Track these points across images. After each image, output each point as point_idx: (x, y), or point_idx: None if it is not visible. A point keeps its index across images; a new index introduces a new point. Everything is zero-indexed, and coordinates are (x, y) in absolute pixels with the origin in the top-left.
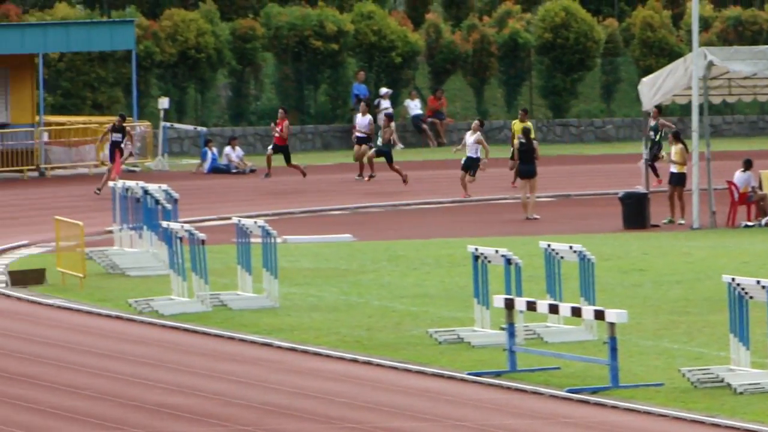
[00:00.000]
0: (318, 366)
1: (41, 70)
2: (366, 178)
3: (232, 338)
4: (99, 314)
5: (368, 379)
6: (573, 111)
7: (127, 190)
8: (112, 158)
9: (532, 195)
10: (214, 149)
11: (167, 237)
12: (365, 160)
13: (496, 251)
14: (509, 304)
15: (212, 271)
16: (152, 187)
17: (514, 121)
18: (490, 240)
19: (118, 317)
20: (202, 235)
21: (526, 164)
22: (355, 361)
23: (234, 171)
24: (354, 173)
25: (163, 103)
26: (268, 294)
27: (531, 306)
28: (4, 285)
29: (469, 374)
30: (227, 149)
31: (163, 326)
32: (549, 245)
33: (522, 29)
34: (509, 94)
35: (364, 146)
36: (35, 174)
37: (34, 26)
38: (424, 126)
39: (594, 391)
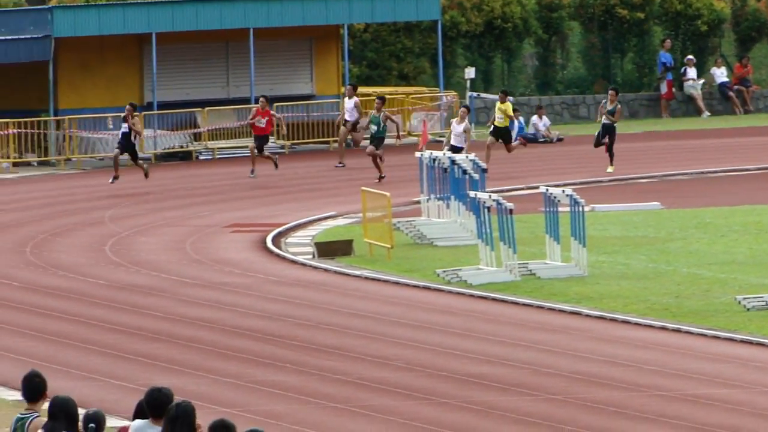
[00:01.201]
0: (626, 334)
1: (346, 41)
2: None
3: (540, 307)
4: (407, 285)
5: (677, 346)
6: None
7: (434, 160)
8: (123, 150)
9: None
10: (521, 118)
11: (475, 207)
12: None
13: None
14: None
15: (520, 240)
16: (459, 157)
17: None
18: None
19: (425, 288)
20: (510, 205)
21: None
22: (663, 328)
23: (541, 140)
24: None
25: (470, 72)
26: (576, 262)
27: None
28: (311, 257)
29: None
30: (534, 118)
31: (471, 296)
32: None
33: None
34: None
35: (349, 128)
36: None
37: None
38: (731, 93)
39: None
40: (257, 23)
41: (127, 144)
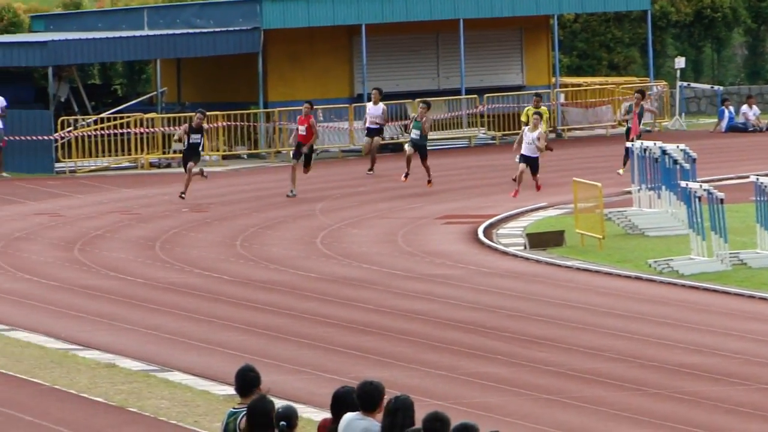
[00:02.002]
0: None
1: (556, 31)
2: (369, 172)
3: (752, 297)
4: (618, 275)
5: None
6: None
7: (645, 150)
8: (185, 164)
9: None
10: (731, 108)
11: (686, 196)
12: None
13: None
14: None
15: (731, 230)
16: (670, 146)
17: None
18: None
19: (637, 278)
20: (720, 194)
21: None
22: None
23: (751, 129)
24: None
25: (679, 62)
26: None
27: None
28: (522, 248)
29: None
30: (744, 108)
31: (683, 286)
32: None
33: None
34: None
35: (376, 138)
36: (552, 135)
37: None
38: None
39: None
40: (467, 14)
41: (193, 155)
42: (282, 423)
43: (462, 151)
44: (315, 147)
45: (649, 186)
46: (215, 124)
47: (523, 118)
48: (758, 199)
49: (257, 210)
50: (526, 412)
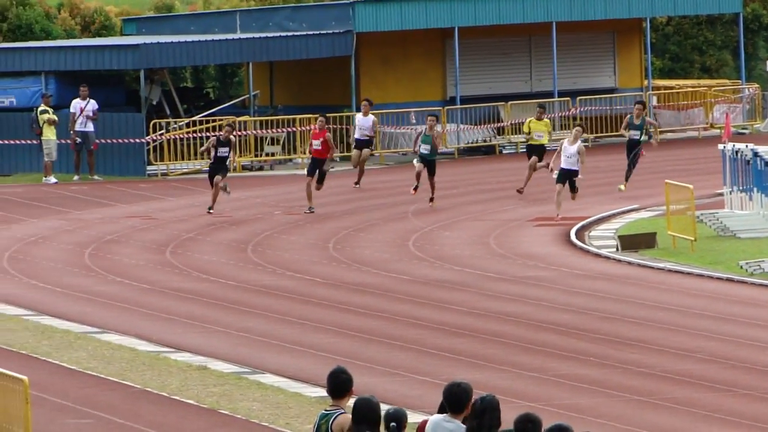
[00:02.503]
0: None
1: (648, 33)
2: (355, 185)
3: None
4: (710, 277)
5: None
6: None
7: (736, 152)
8: (211, 178)
9: None
10: None
11: None
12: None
13: None
14: None
15: None
16: (762, 148)
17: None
18: None
19: (729, 279)
20: None
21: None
22: None
23: None
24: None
25: None
26: None
27: None
28: (614, 249)
29: None
30: None
31: None
32: None
33: None
34: None
35: (365, 150)
36: (643, 138)
37: None
38: None
39: None
40: (560, 17)
41: (221, 168)
42: (392, 424)
43: (546, 153)
44: (333, 160)
45: (740, 188)
46: (308, 127)
47: (525, 129)
48: None
49: (349, 213)
50: (617, 414)
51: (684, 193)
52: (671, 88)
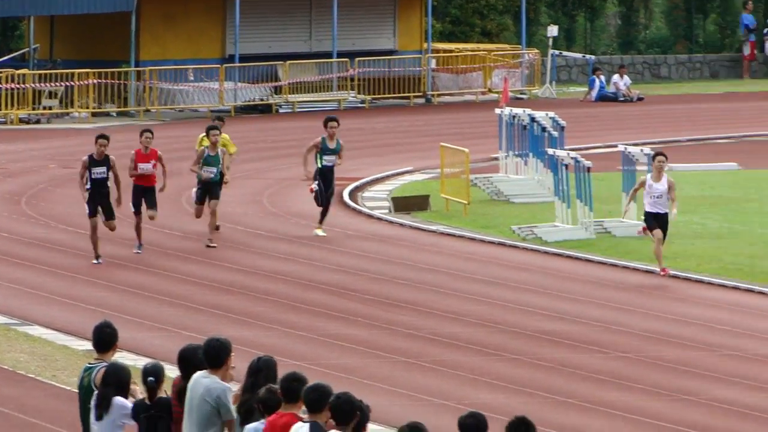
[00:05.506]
0: (699, 293)
1: None
2: None
3: (614, 265)
4: (482, 241)
5: (750, 306)
6: None
7: (513, 117)
8: (92, 212)
9: None
10: (602, 77)
11: (553, 164)
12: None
13: None
14: None
15: (597, 198)
16: (539, 114)
17: None
18: None
19: (501, 244)
20: (587, 163)
21: None
22: (736, 288)
23: (621, 99)
24: None
25: (552, 30)
26: None
27: None
28: (387, 211)
29: None
30: (615, 77)
31: (546, 253)
32: None
33: None
34: None
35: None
36: (422, 101)
37: None
38: None
39: None
40: None
41: (100, 197)
42: (150, 379)
43: (331, 114)
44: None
45: (516, 153)
46: (85, 82)
47: (197, 147)
48: (625, 168)
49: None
50: (385, 375)
51: (459, 156)
52: (451, 51)
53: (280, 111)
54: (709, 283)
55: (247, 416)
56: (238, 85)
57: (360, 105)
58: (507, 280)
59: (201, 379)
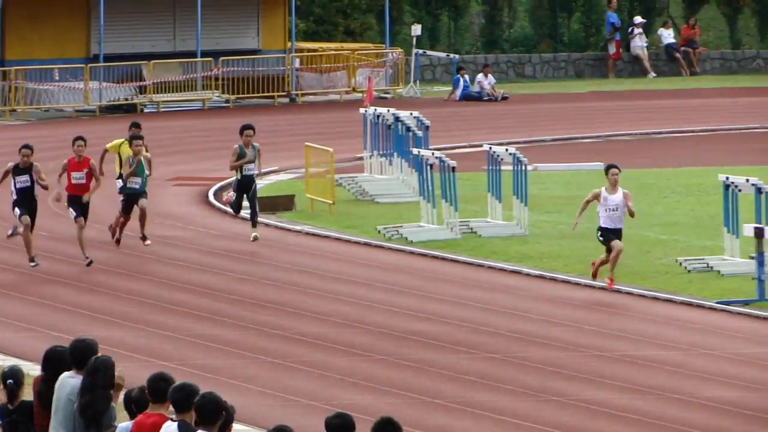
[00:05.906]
0: (566, 294)
1: None
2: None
3: (480, 265)
4: (347, 241)
5: (617, 306)
6: None
7: (378, 116)
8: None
9: None
10: (466, 76)
11: (418, 164)
12: None
13: (747, 180)
14: (759, 233)
15: (462, 198)
16: (403, 113)
17: None
18: (741, 169)
19: (366, 244)
20: (452, 162)
21: None
22: (603, 289)
23: (486, 98)
24: None
25: (416, 30)
26: (517, 221)
27: None
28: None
29: (717, 303)
30: (479, 77)
31: (412, 253)
32: None
33: None
34: (763, 24)
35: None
36: (286, 100)
37: None
38: (677, 55)
39: None
40: None
41: (28, 206)
42: (9, 381)
43: (195, 114)
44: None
45: (381, 152)
46: None
47: (112, 150)
48: (490, 168)
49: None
50: (250, 375)
51: (324, 156)
52: (315, 50)
53: (145, 111)
54: (576, 284)
55: (94, 417)
56: (103, 84)
57: (224, 105)
58: (373, 281)
59: (67, 379)
